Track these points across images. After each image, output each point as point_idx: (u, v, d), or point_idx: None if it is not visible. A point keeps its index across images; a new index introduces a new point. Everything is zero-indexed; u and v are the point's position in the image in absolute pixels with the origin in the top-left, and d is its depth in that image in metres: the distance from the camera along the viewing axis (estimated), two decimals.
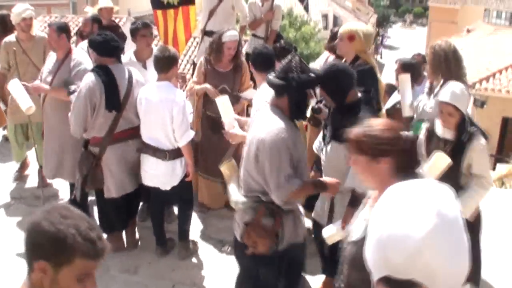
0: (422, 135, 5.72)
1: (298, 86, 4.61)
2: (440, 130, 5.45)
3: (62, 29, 7.23)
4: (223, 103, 5.91)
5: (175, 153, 6.46)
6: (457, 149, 5.32)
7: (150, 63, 7.00)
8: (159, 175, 6.52)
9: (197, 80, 7.49)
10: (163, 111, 6.22)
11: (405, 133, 3.62)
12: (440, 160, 5.14)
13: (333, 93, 5.23)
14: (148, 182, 6.64)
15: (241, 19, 10.07)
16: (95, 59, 6.58)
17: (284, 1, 10.05)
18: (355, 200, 5.18)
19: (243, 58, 7.88)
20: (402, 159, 3.18)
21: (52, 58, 7.35)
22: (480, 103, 8.19)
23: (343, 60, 6.43)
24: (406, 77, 6.89)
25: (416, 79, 7.67)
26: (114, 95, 6.45)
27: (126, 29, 9.11)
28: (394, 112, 7.05)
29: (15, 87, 7.26)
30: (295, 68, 4.63)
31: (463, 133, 5.29)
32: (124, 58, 7.26)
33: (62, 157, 7.38)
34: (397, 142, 3.18)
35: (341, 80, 5.18)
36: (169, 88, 6.35)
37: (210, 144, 7.53)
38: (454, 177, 4.99)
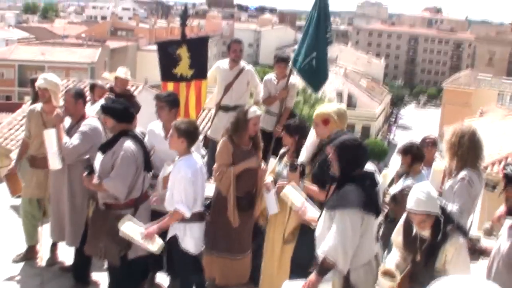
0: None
1: None
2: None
3: (80, 95, 7.36)
4: (290, 192, 6.04)
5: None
6: (431, 248, 5.16)
7: None
8: None
9: (226, 162, 7.32)
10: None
11: None
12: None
13: (345, 163, 5.32)
14: None
15: (254, 95, 10.19)
16: (113, 126, 6.68)
17: (298, 78, 10.33)
18: (324, 269, 5.23)
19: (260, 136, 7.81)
20: None
21: (66, 122, 7.42)
22: (491, 187, 8.17)
23: None
24: (439, 172, 6.92)
25: (419, 161, 7.60)
26: (148, 157, 6.82)
27: (141, 98, 9.19)
28: (401, 198, 6.98)
29: (50, 138, 7.22)
30: None
31: (438, 233, 5.09)
32: (149, 127, 7.56)
33: (63, 220, 7.42)
34: None
35: (356, 154, 5.33)
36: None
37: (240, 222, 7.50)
38: (429, 277, 4.78)
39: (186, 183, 6.37)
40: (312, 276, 5.27)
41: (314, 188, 6.22)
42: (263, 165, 7.53)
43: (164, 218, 6.53)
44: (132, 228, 6.36)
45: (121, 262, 6.64)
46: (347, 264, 5.15)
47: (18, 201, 8.67)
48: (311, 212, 5.91)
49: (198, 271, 6.87)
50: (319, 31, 9.24)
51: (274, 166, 7.09)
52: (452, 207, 6.18)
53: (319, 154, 6.38)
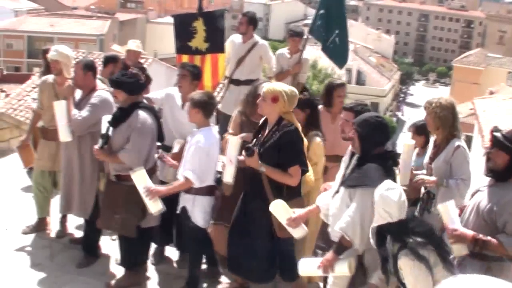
0: None
1: None
2: None
3: (89, 67, 7.31)
4: (276, 207, 5.89)
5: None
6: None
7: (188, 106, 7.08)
8: None
9: (233, 132, 7.30)
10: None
11: None
12: None
13: (367, 141, 5.28)
14: None
15: (267, 70, 10.15)
16: (125, 99, 6.68)
17: (309, 53, 10.33)
18: (341, 248, 5.22)
19: None
20: None
21: (76, 94, 7.40)
22: None
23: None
24: (410, 146, 6.81)
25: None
26: (161, 128, 6.92)
27: (151, 71, 9.13)
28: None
29: (61, 109, 7.20)
30: None
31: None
32: (168, 90, 7.61)
33: (73, 192, 7.43)
34: None
35: (378, 132, 5.29)
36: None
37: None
38: None
39: (201, 153, 6.37)
40: (329, 255, 5.28)
41: (277, 172, 5.99)
42: None
43: (174, 183, 6.57)
44: (141, 179, 6.36)
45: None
46: (363, 244, 5.12)
47: (29, 173, 8.66)
48: (298, 229, 5.82)
49: (208, 245, 6.86)
50: (340, 6, 9.27)
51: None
52: (454, 182, 6.15)
53: (262, 131, 6.25)
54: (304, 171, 6.08)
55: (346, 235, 5.10)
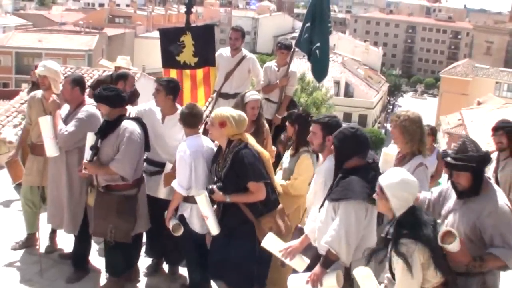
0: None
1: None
2: None
3: (77, 82, 7.31)
4: (268, 242, 5.90)
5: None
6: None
7: (169, 119, 7.18)
8: None
9: None
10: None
11: None
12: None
13: (341, 152, 5.33)
14: None
15: (256, 83, 10.19)
16: (108, 112, 6.76)
17: (297, 66, 10.34)
18: (328, 261, 5.25)
19: (265, 122, 7.87)
20: None
21: (64, 110, 7.40)
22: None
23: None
24: (388, 156, 6.80)
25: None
26: (148, 139, 6.97)
27: (140, 85, 9.14)
28: None
29: (46, 124, 7.20)
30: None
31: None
32: (146, 105, 7.56)
33: (61, 207, 7.38)
34: None
35: (353, 143, 5.31)
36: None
37: None
38: None
39: (183, 162, 6.41)
40: (317, 269, 5.30)
41: (243, 197, 6.11)
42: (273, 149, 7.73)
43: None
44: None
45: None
46: (350, 256, 5.15)
47: (17, 189, 8.65)
48: (296, 261, 5.80)
49: (204, 252, 6.91)
50: (323, 21, 9.37)
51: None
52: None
53: (220, 156, 6.33)
54: (266, 183, 6.12)
55: (332, 248, 5.13)
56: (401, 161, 6.42)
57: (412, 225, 4.63)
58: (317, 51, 9.44)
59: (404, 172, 4.86)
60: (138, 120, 6.96)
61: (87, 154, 6.74)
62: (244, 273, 6.28)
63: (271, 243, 5.82)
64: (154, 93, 7.32)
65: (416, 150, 6.18)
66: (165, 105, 7.16)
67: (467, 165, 5.06)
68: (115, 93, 6.82)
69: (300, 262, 5.71)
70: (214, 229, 6.21)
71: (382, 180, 4.80)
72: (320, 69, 9.93)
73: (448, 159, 5.21)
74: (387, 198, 4.72)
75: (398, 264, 4.60)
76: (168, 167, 7.00)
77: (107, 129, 6.75)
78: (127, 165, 6.66)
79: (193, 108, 6.71)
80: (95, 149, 6.70)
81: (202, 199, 6.18)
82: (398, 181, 4.73)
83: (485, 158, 5.22)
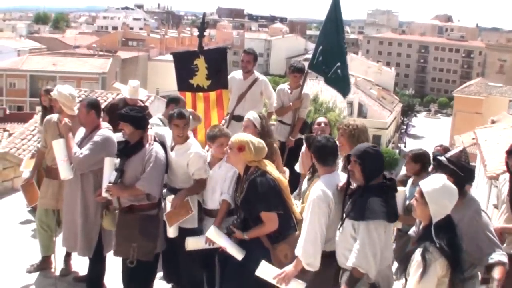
0: None
1: None
2: None
3: (92, 106, 7.36)
4: (261, 270, 5.89)
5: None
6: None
7: (178, 148, 7.09)
8: None
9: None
10: None
11: None
12: None
13: (369, 171, 5.34)
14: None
15: (268, 106, 10.23)
16: (131, 132, 6.82)
17: (310, 87, 10.37)
18: (354, 280, 5.25)
19: (275, 144, 7.86)
20: None
21: (80, 133, 7.47)
22: None
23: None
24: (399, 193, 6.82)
25: (427, 170, 7.55)
26: (167, 161, 7.06)
27: (153, 108, 9.15)
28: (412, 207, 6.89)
29: (59, 147, 7.30)
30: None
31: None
32: (162, 129, 7.55)
33: (76, 231, 7.42)
34: None
35: (378, 162, 5.36)
36: None
37: None
38: None
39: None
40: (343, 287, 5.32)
41: (257, 231, 6.09)
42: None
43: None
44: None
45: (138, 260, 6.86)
46: (376, 272, 5.20)
47: (32, 212, 8.70)
48: (292, 286, 5.73)
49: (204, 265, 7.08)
50: (339, 40, 9.50)
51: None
52: None
53: (240, 183, 6.32)
54: (279, 213, 6.05)
55: (361, 268, 5.14)
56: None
57: (445, 233, 4.67)
58: (339, 70, 9.60)
59: (445, 180, 4.89)
60: (160, 142, 7.04)
61: (107, 178, 6.82)
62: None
63: (265, 271, 5.79)
64: (170, 126, 7.18)
65: None
66: (183, 137, 7.06)
67: (455, 170, 5.35)
68: (142, 114, 6.94)
69: (297, 285, 5.68)
70: (238, 255, 6.17)
71: (424, 186, 4.84)
72: (344, 86, 10.13)
73: (442, 158, 5.31)
74: (426, 203, 4.77)
75: (415, 266, 4.67)
76: (168, 205, 6.96)
77: (130, 150, 6.84)
78: (154, 184, 6.77)
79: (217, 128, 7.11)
80: (120, 171, 6.79)
81: (213, 235, 6.26)
82: (440, 187, 4.77)
83: (471, 175, 5.59)
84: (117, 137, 7.41)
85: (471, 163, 5.50)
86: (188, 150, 6.92)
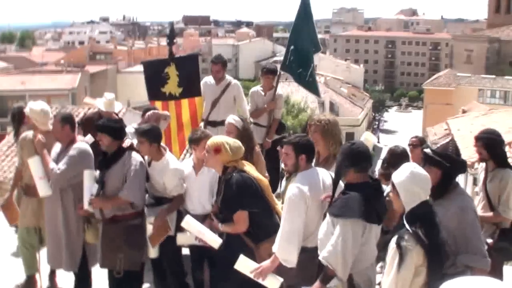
0: None
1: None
2: None
3: (66, 120, 7.29)
4: (240, 264, 5.91)
5: None
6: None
7: (156, 164, 7.11)
8: None
9: None
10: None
11: None
12: None
13: (338, 167, 5.44)
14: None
15: (241, 112, 10.23)
16: (109, 143, 6.80)
17: (281, 89, 10.45)
18: (326, 277, 5.25)
19: (256, 146, 7.83)
20: None
21: (56, 148, 7.41)
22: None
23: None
24: None
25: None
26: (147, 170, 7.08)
27: (125, 119, 9.11)
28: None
29: (35, 164, 7.25)
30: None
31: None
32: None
33: (59, 246, 7.35)
34: None
35: (348, 158, 5.32)
36: None
37: None
38: None
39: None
40: (316, 284, 5.30)
41: (227, 226, 6.15)
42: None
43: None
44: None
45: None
46: (347, 272, 5.16)
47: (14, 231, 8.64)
48: (269, 281, 5.77)
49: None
50: (312, 41, 9.61)
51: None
52: None
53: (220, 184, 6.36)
54: (254, 212, 6.04)
55: (329, 264, 5.15)
56: (325, 163, 6.52)
57: (422, 222, 4.63)
58: (314, 72, 9.82)
59: (414, 167, 4.87)
60: (138, 151, 7.03)
61: (88, 191, 6.82)
62: None
63: (243, 265, 5.83)
64: (137, 145, 7.14)
65: (337, 152, 6.20)
66: (151, 154, 7.07)
67: (441, 162, 5.31)
68: (120, 125, 6.97)
69: (273, 281, 5.72)
70: (214, 243, 6.22)
71: (394, 176, 4.86)
72: (316, 86, 10.37)
73: (428, 150, 5.35)
74: (398, 193, 4.79)
75: (391, 254, 4.68)
76: (150, 227, 6.98)
77: (109, 161, 6.83)
78: (137, 192, 6.81)
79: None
80: (101, 183, 6.79)
81: (188, 224, 6.34)
82: (408, 174, 4.76)
83: (460, 164, 5.54)
84: (87, 139, 7.54)
85: (459, 153, 5.47)
86: (164, 168, 6.97)
